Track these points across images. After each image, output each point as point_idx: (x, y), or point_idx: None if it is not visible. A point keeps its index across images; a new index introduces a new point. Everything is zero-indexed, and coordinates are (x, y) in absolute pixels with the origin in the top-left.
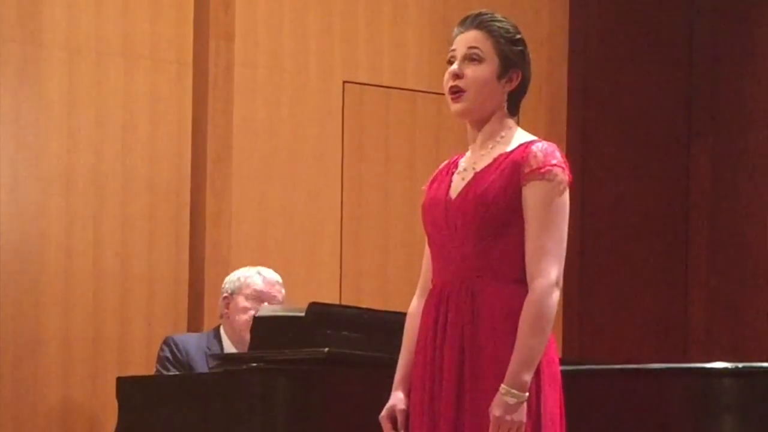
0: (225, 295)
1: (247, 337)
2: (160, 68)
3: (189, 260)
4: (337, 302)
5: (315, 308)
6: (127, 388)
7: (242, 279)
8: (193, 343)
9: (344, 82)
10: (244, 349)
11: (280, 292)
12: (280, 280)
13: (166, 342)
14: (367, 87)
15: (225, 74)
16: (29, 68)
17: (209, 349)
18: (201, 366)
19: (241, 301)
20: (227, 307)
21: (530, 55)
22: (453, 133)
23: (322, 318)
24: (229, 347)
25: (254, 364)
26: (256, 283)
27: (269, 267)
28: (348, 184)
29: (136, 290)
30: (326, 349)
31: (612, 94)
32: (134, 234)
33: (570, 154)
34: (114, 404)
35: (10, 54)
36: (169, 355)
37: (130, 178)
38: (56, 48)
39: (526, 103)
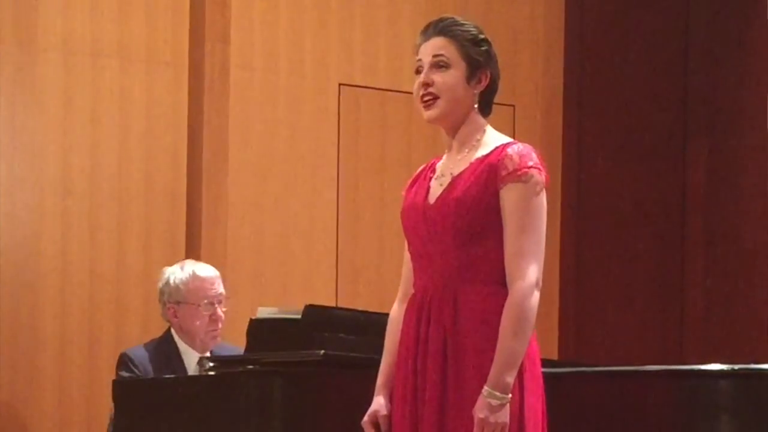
0: (169, 306)
1: (210, 344)
2: (155, 70)
3: None
4: (334, 304)
5: (311, 310)
6: (123, 390)
7: (181, 287)
8: (147, 355)
9: (340, 84)
10: (202, 349)
11: (221, 285)
12: (216, 272)
13: (123, 361)
14: (362, 89)
15: (221, 76)
16: (25, 70)
17: (165, 357)
18: (159, 376)
19: (191, 310)
20: (176, 316)
21: (511, 54)
22: None
23: (319, 320)
24: (185, 350)
25: (250, 367)
26: (197, 287)
27: (266, 269)
28: (344, 186)
29: (133, 291)
30: (322, 351)
31: (608, 95)
32: (130, 236)
33: (566, 156)
34: (110, 406)
35: (6, 56)
36: (127, 374)
37: (126, 180)
38: (52, 50)
39: (522, 105)
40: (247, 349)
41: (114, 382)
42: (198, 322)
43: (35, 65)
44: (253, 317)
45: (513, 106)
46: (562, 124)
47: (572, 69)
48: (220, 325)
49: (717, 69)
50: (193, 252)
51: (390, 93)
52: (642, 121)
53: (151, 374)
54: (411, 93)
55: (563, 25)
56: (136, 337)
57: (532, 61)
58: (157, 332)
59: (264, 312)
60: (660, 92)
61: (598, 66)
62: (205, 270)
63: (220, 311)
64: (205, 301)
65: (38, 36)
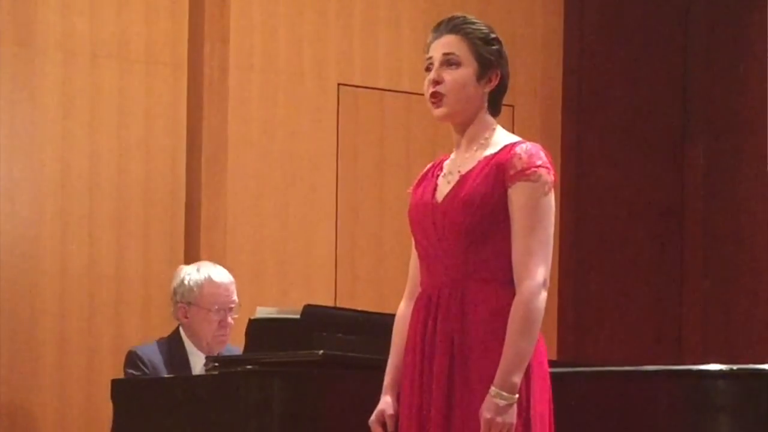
0: (180, 305)
1: (217, 348)
2: (154, 71)
3: (184, 262)
4: (332, 304)
5: (310, 310)
6: (123, 389)
7: (195, 289)
8: (156, 353)
9: (339, 84)
10: (209, 351)
11: (234, 293)
12: (231, 279)
13: (131, 358)
14: (361, 89)
15: (220, 76)
16: (24, 71)
17: (173, 356)
18: (166, 375)
19: (202, 313)
20: (186, 317)
21: (510, 55)
22: (448, 135)
23: (318, 320)
24: (193, 351)
25: (249, 367)
26: (210, 292)
27: (265, 269)
28: (343, 186)
29: (132, 292)
30: (321, 351)
31: (606, 96)
32: (129, 236)
33: (564, 157)
34: (109, 406)
35: (5, 56)
36: (135, 372)
37: (125, 180)
38: (51, 50)
39: (521, 105)
40: (246, 350)
41: (113, 381)
42: (207, 326)
43: (34, 65)
44: (252, 317)
45: (512, 106)
46: (561, 125)
47: (571, 69)
48: (228, 331)
49: (716, 69)
50: (192, 252)
51: (389, 93)
52: (641, 122)
53: (160, 372)
54: (410, 93)
55: (562, 25)
56: (135, 337)
57: (531, 62)
58: (157, 332)
59: (263, 312)
60: (659, 92)
61: (597, 66)
62: (221, 275)
63: (230, 318)
64: (216, 307)
65: (37, 36)
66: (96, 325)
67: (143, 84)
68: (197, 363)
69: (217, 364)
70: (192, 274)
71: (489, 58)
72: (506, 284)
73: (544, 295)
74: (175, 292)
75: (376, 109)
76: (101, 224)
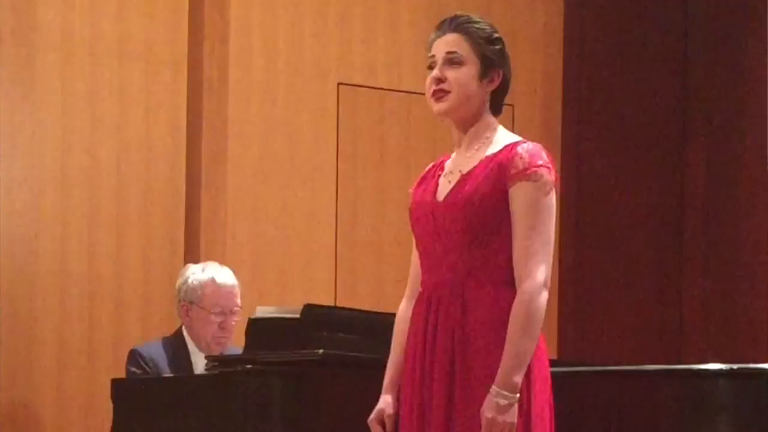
0: (183, 304)
1: (216, 349)
2: (154, 70)
3: (184, 262)
4: (333, 304)
5: (310, 310)
6: (122, 390)
7: (198, 290)
8: (160, 352)
9: (339, 83)
10: (208, 352)
11: (237, 296)
12: (236, 282)
13: (133, 357)
14: (361, 89)
15: (220, 76)
16: (24, 70)
17: (175, 355)
18: (168, 374)
19: (203, 314)
20: (187, 315)
21: (510, 54)
22: (448, 134)
23: (318, 319)
24: (194, 350)
25: (249, 366)
26: (213, 294)
27: (265, 268)
28: (343, 185)
29: (131, 292)
30: (321, 351)
31: (607, 95)
32: (129, 236)
33: (564, 156)
34: (109, 406)
35: (5, 55)
36: (138, 371)
37: (125, 179)
38: (51, 49)
39: (521, 104)
40: (246, 349)
41: (113, 381)
42: (207, 327)
43: (34, 64)
44: (252, 317)
45: (512, 105)
46: (561, 124)
47: (571, 68)
48: (228, 334)
49: (716, 68)
50: (192, 252)
51: (389, 92)
52: (641, 121)
53: (163, 371)
54: (411, 92)
55: (562, 25)
56: (135, 337)
57: (531, 61)
58: (157, 332)
59: (263, 311)
60: (659, 92)
61: (597, 65)
62: (225, 278)
63: (231, 321)
64: (217, 309)
65: (37, 35)
66: (96, 325)
67: (143, 83)
68: (199, 362)
69: (216, 363)
70: (197, 273)
71: (492, 57)
72: (507, 284)
73: (545, 294)
74: (178, 290)
75: (375, 108)
76: (101, 223)
